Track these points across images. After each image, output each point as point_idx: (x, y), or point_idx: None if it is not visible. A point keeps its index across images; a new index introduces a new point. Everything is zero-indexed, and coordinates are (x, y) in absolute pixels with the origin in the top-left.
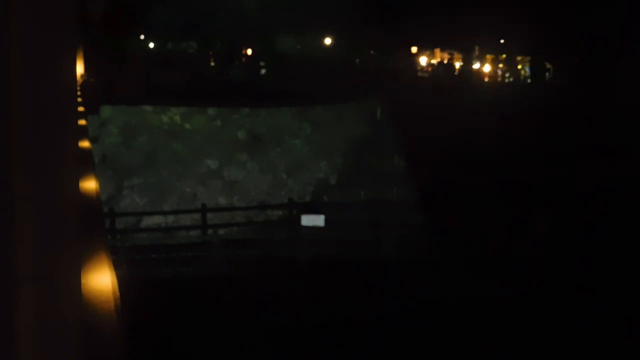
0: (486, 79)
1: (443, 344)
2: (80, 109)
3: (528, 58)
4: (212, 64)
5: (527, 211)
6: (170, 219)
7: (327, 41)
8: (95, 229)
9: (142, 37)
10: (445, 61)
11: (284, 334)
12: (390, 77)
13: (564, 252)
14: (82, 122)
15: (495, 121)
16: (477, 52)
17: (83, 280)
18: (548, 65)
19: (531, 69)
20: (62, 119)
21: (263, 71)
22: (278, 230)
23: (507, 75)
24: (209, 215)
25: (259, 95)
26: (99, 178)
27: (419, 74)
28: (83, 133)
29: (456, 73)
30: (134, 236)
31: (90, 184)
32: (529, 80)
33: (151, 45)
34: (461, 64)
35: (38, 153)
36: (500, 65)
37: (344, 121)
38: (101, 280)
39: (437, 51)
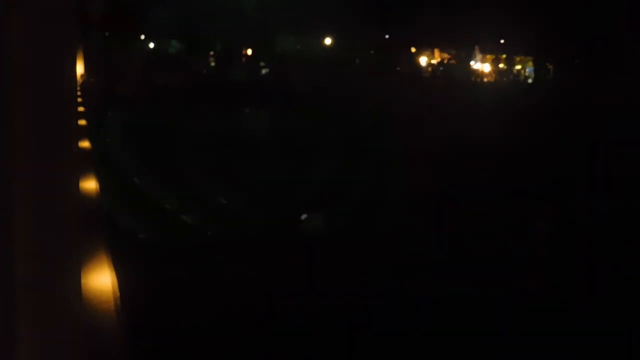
0: (486, 79)
1: (441, 345)
2: (80, 109)
3: (528, 58)
4: (212, 64)
5: (527, 211)
6: None
7: (327, 41)
8: (95, 229)
9: (142, 37)
10: (445, 61)
11: None
12: (390, 77)
13: (564, 252)
14: (82, 122)
15: (495, 120)
16: (477, 52)
17: (83, 280)
18: (548, 66)
19: (534, 69)
20: (62, 119)
21: (263, 71)
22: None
23: (505, 75)
24: None
25: (259, 95)
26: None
27: (419, 73)
28: (83, 133)
29: (456, 73)
30: None
31: (90, 184)
32: (529, 80)
33: (151, 45)
34: (461, 63)
35: (38, 153)
36: (501, 65)
37: (344, 121)
38: (101, 280)
39: (437, 51)
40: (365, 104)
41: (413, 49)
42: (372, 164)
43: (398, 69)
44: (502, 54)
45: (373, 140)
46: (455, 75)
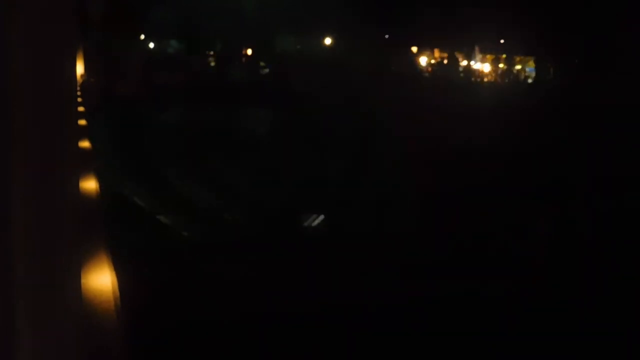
0: (486, 79)
1: (440, 344)
2: (80, 109)
3: (528, 58)
4: (212, 64)
5: (527, 211)
6: None
7: (327, 41)
8: (95, 229)
9: (142, 37)
10: (445, 61)
11: None
12: (390, 77)
13: (565, 252)
14: (82, 122)
15: (496, 120)
16: (477, 52)
17: (83, 280)
18: (549, 67)
19: (535, 69)
20: (62, 119)
21: (263, 71)
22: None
23: (505, 76)
24: None
25: (259, 95)
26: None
27: (419, 73)
28: (83, 133)
29: (456, 73)
30: None
31: (90, 184)
32: (529, 80)
33: (151, 45)
34: (461, 63)
35: (38, 153)
36: (501, 65)
37: (344, 121)
38: (101, 280)
39: (437, 51)
40: (365, 104)
41: (414, 49)
42: (372, 164)
43: (393, 69)
44: (502, 54)
45: (372, 141)
46: (450, 75)
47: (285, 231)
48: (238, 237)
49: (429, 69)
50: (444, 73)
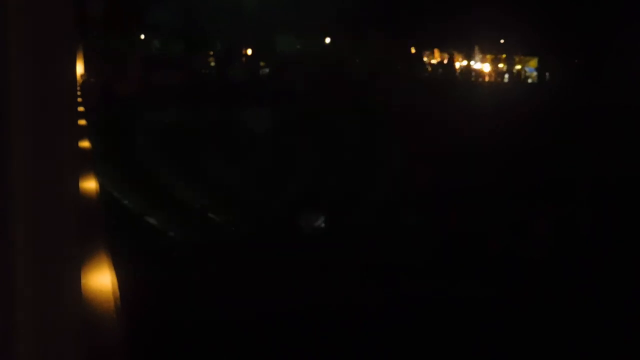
0: (486, 79)
1: (439, 345)
2: (80, 109)
3: (527, 58)
4: (212, 64)
5: (527, 211)
6: None
7: (327, 41)
8: (95, 229)
9: (142, 37)
10: (445, 61)
11: None
12: (390, 77)
13: (565, 253)
14: (82, 122)
15: (496, 121)
16: (477, 52)
17: (83, 280)
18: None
19: (537, 68)
20: (62, 119)
21: (263, 71)
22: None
23: (505, 75)
24: None
25: (259, 95)
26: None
27: (419, 73)
28: (83, 133)
29: (456, 73)
30: None
31: (90, 184)
32: (529, 80)
33: (151, 45)
34: (461, 63)
35: (38, 153)
36: (501, 65)
37: (344, 121)
38: (101, 280)
39: (437, 51)
40: (365, 104)
41: (414, 49)
42: (370, 164)
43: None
44: (502, 54)
45: (372, 140)
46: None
47: (284, 231)
48: (237, 238)
49: (429, 69)
50: (442, 73)
